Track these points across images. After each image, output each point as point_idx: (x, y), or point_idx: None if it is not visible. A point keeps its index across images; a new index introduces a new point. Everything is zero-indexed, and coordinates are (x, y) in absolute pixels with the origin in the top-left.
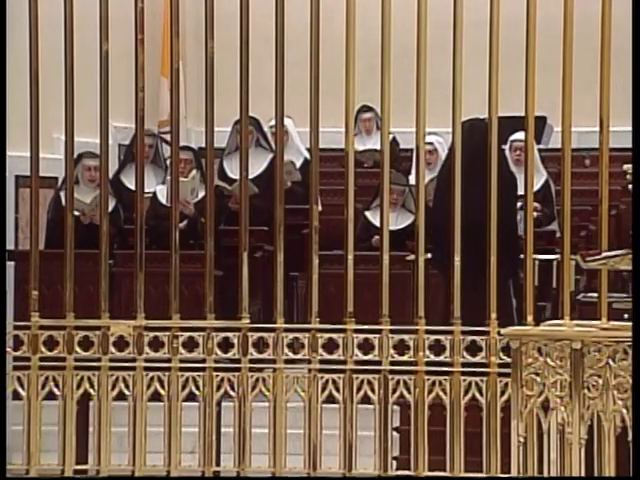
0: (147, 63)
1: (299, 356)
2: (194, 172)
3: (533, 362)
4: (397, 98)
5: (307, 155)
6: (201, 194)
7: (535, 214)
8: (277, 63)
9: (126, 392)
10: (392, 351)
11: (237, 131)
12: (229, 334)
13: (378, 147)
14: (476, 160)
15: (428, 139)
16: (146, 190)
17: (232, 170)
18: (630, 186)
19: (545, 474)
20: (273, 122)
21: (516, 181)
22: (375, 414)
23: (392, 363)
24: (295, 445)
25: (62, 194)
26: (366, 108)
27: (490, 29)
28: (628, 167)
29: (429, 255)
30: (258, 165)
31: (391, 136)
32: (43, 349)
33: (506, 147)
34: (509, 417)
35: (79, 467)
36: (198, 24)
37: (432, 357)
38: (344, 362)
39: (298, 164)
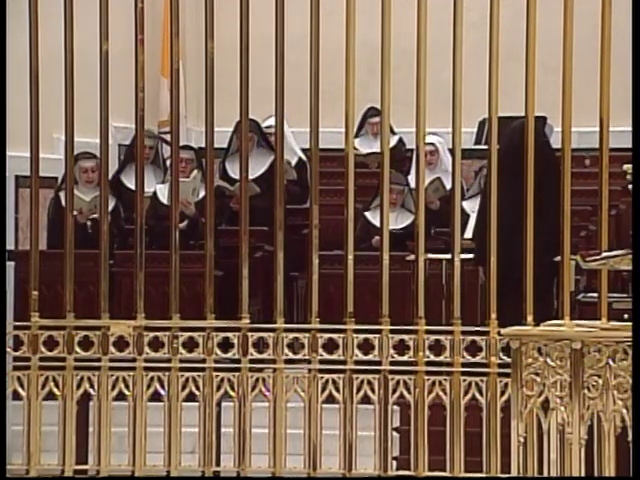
0: (147, 63)
1: (299, 356)
2: (195, 172)
3: (533, 362)
4: (400, 99)
5: (301, 154)
6: (202, 194)
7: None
8: (277, 63)
9: (126, 392)
10: (392, 351)
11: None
12: (229, 334)
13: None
14: (523, 160)
15: (429, 139)
16: (146, 190)
17: (234, 171)
18: (630, 186)
19: (545, 474)
20: (268, 122)
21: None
22: (375, 414)
23: (392, 363)
24: (295, 445)
25: (61, 195)
26: (375, 111)
27: (490, 30)
28: (628, 167)
29: (471, 255)
30: (260, 165)
31: (397, 137)
32: (43, 349)
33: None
34: (509, 417)
35: (79, 467)
36: (198, 24)
37: (432, 357)
38: (344, 362)
39: (293, 163)
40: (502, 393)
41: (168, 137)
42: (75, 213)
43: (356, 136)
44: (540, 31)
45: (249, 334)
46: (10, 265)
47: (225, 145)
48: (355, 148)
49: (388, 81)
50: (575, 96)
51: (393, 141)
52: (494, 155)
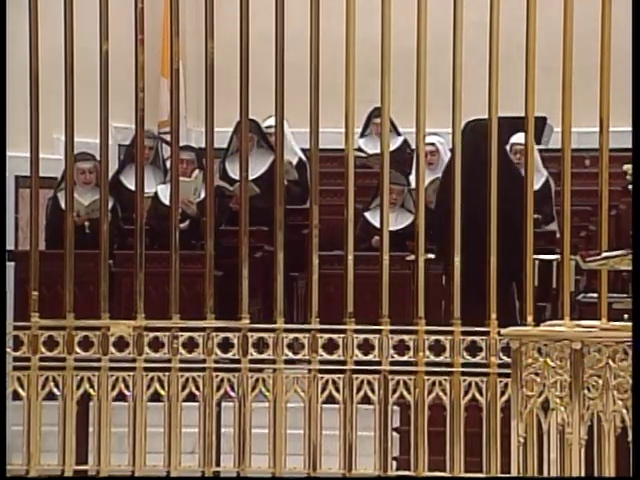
0: (147, 63)
1: (299, 356)
2: (197, 172)
3: (533, 362)
4: (400, 98)
5: (301, 155)
6: (204, 194)
7: (535, 215)
8: (277, 63)
9: (126, 392)
10: (392, 351)
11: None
12: (229, 334)
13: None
14: (480, 161)
15: (429, 139)
16: (145, 191)
17: (234, 171)
18: (630, 186)
19: (545, 474)
20: (268, 122)
21: (522, 182)
22: (375, 414)
23: (392, 363)
24: (295, 445)
25: (59, 195)
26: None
27: (490, 30)
28: (628, 167)
29: (432, 255)
30: (260, 166)
31: (402, 138)
32: (43, 349)
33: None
34: (509, 417)
35: (79, 467)
36: (198, 24)
37: (432, 357)
38: (344, 362)
39: (294, 163)
40: (502, 393)
41: (168, 137)
42: (74, 213)
43: (362, 136)
44: (540, 31)
45: (249, 334)
46: (10, 265)
47: (225, 145)
48: (361, 149)
49: (388, 81)
50: (575, 96)
51: (398, 142)
52: (494, 157)
